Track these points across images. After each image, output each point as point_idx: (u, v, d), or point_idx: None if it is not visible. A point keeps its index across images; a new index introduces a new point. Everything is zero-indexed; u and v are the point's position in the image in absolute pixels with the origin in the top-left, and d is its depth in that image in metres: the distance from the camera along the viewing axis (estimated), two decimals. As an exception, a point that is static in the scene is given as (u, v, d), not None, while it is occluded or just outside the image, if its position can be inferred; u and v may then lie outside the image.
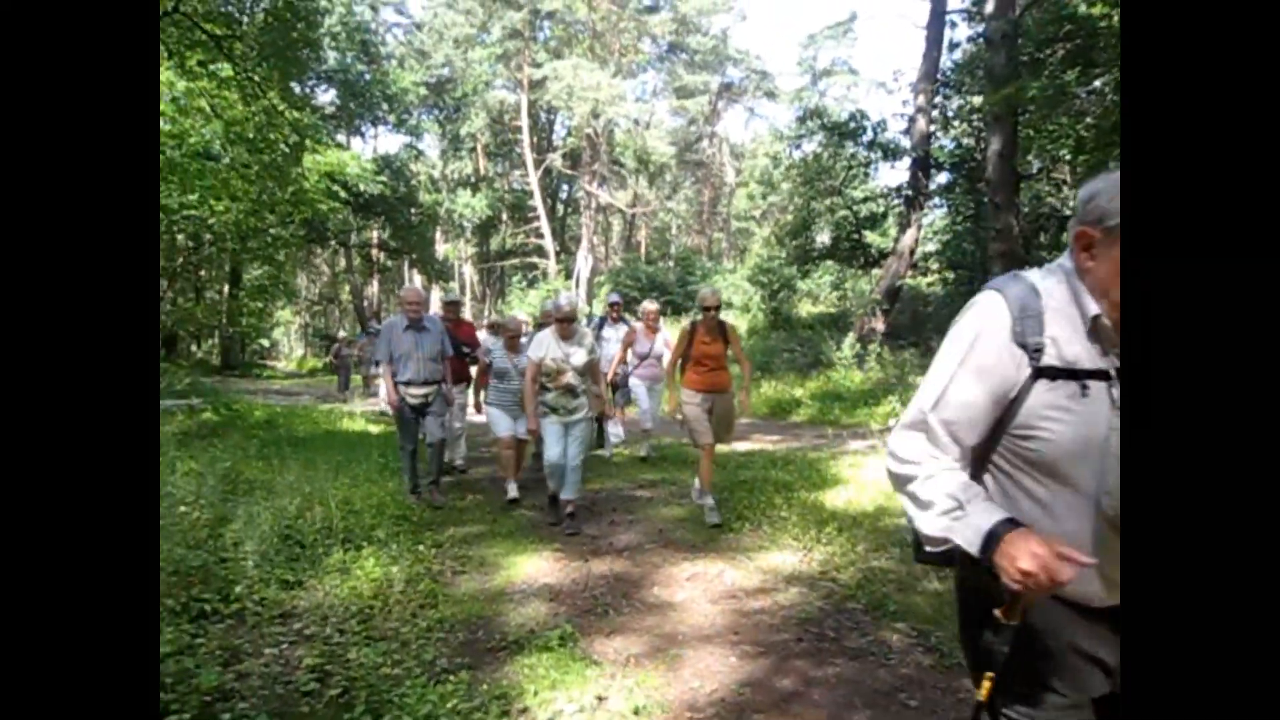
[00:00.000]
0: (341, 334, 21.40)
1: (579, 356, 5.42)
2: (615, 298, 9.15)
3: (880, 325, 18.36)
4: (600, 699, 2.97)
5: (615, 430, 5.63)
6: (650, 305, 8.22)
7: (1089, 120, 14.57)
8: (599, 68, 31.78)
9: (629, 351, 7.97)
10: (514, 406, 6.35)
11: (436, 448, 6.30)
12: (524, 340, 6.46)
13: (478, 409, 6.84)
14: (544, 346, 5.42)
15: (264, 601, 3.79)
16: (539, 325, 7.78)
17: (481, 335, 8.13)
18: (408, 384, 6.02)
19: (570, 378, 5.38)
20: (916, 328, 19.17)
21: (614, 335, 8.37)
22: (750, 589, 4.30)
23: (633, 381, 7.97)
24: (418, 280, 41.19)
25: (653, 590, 4.30)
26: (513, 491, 6.37)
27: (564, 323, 5.38)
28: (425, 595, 4.04)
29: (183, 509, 4.81)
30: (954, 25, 18.83)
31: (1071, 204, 17.36)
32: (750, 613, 3.97)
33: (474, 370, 7.17)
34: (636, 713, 2.85)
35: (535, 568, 4.70)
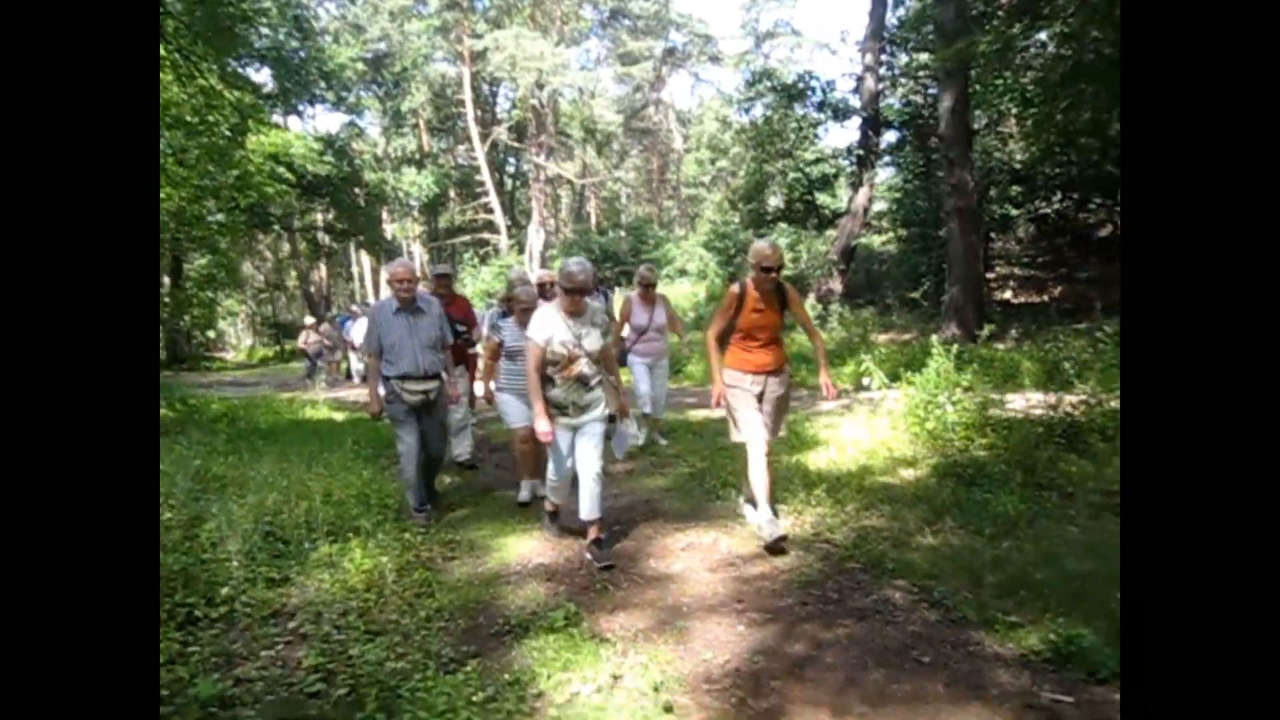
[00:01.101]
0: (309, 319, 20.04)
1: (594, 339, 4.27)
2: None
3: (838, 286, 18.52)
4: (616, 678, 2.92)
5: (632, 431, 4.76)
6: (647, 271, 7.16)
7: (1034, 73, 14.72)
8: (541, 36, 31.22)
9: (625, 325, 6.98)
10: (518, 387, 5.42)
11: (436, 461, 5.41)
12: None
13: (488, 399, 5.86)
14: (549, 327, 4.20)
15: (253, 602, 3.66)
16: (504, 303, 6.39)
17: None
18: (403, 379, 4.97)
19: (584, 366, 4.22)
20: (873, 286, 19.38)
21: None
22: (747, 555, 4.29)
23: (631, 359, 6.99)
24: (366, 262, 40.35)
25: (649, 563, 4.26)
26: (524, 494, 5.59)
27: (575, 295, 4.18)
28: (420, 584, 3.94)
29: (153, 511, 4.61)
30: (899, -18, 18.86)
31: (1019, 158, 17.63)
32: (751, 579, 3.96)
33: (476, 351, 6.53)
34: (656, 689, 2.81)
35: (527, 548, 4.62)
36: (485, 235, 36.62)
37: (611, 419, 4.48)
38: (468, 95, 33.83)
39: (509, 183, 41.43)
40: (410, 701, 2.72)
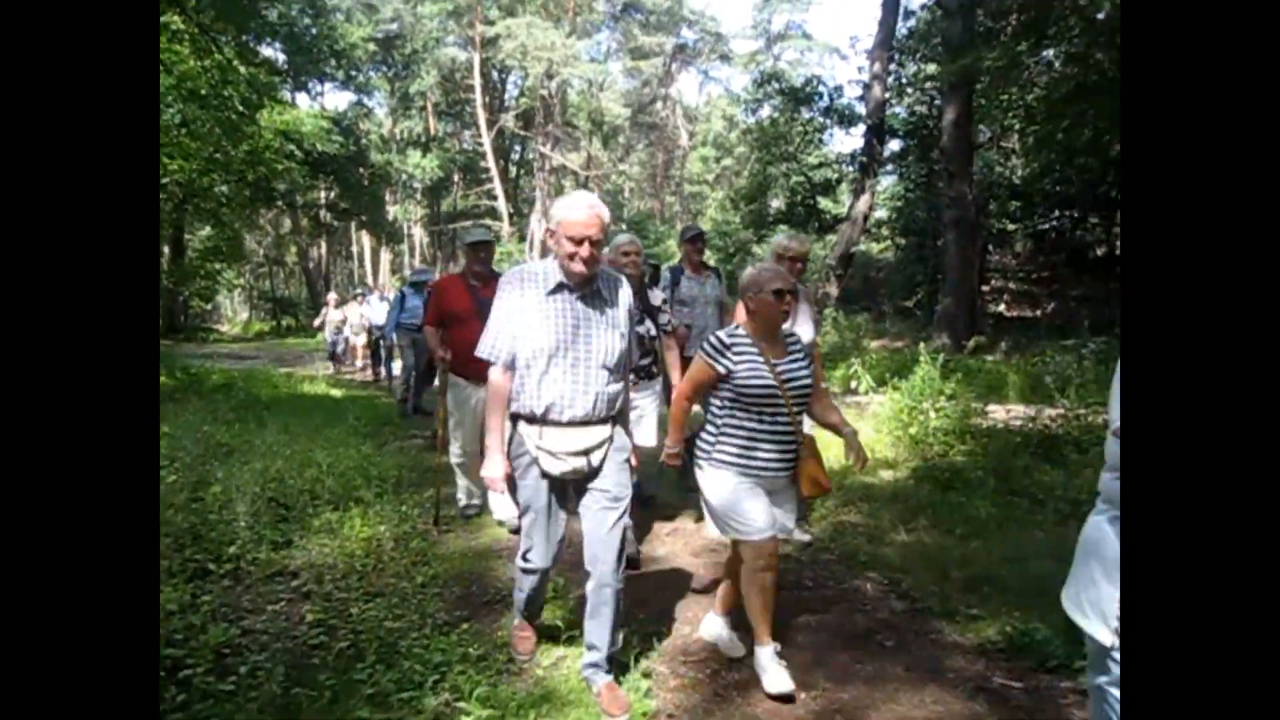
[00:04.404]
0: (331, 295, 16.43)
1: None
2: (696, 229, 5.64)
3: (834, 290, 18.71)
4: (599, 646, 3.12)
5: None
6: (797, 244, 4.23)
7: (1038, 91, 14.97)
8: (553, 26, 31.32)
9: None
10: (773, 469, 2.89)
11: (615, 595, 2.72)
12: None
13: (675, 460, 3.14)
14: None
15: (257, 561, 3.86)
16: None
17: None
18: (545, 421, 2.63)
19: None
20: (869, 293, 19.62)
21: (702, 295, 5.23)
22: (728, 542, 4.48)
23: None
24: (366, 242, 40.39)
25: (636, 546, 4.46)
26: (778, 679, 2.82)
27: None
28: (416, 553, 4.14)
29: (160, 472, 4.82)
30: (910, -8, 19.04)
31: (1019, 174, 17.88)
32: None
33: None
34: (636, 659, 3.01)
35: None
36: (487, 222, 36.69)
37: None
38: (477, 81, 33.88)
39: (513, 170, 41.52)
40: (407, 656, 2.93)
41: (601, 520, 2.70)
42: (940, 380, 6.61)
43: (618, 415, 2.78)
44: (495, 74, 37.53)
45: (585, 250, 2.54)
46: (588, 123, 38.08)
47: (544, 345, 2.57)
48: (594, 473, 2.71)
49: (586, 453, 2.65)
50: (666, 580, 3.95)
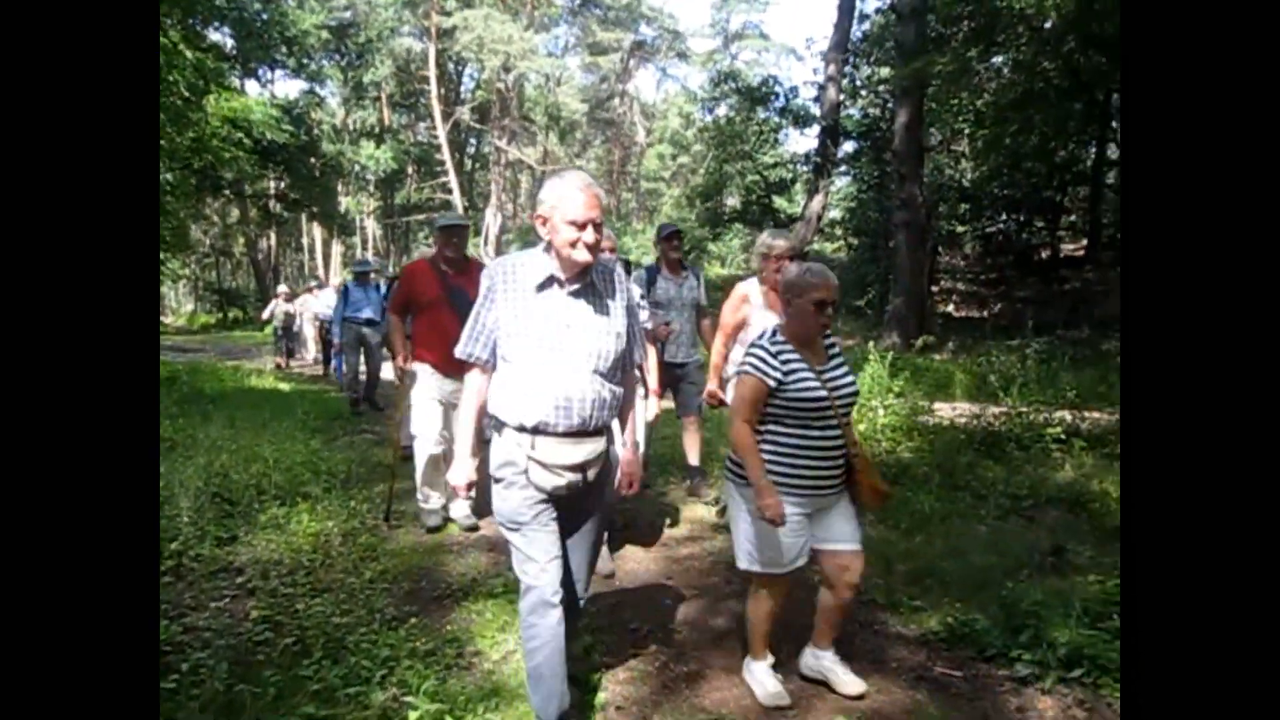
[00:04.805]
0: (282, 288, 15.71)
1: None
2: (672, 227, 5.45)
3: (787, 289, 18.92)
4: (549, 640, 3.13)
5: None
6: (778, 241, 4.25)
7: (987, 96, 15.33)
8: (510, 19, 31.11)
9: (735, 333, 4.40)
10: (823, 485, 2.69)
11: (580, 608, 2.68)
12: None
13: (765, 504, 2.51)
14: None
15: (200, 557, 3.79)
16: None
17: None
18: (535, 432, 2.28)
19: None
20: (822, 292, 19.88)
21: (679, 297, 5.21)
22: (679, 538, 4.54)
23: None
24: (318, 233, 39.57)
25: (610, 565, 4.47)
26: (769, 678, 2.89)
27: None
28: (365, 549, 4.11)
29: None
30: (864, -3, 19.32)
31: (970, 176, 18.28)
32: (681, 559, 4.22)
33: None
34: (587, 652, 3.03)
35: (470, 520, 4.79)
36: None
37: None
38: (432, 72, 33.48)
39: (469, 164, 41.13)
40: (354, 651, 2.91)
41: (583, 540, 2.51)
42: (889, 378, 6.75)
43: (620, 418, 2.50)
44: (451, 66, 37.13)
45: (589, 235, 2.23)
46: (544, 117, 37.96)
47: (531, 346, 2.27)
48: (586, 490, 2.38)
49: (583, 468, 2.33)
50: (617, 576, 3.97)
